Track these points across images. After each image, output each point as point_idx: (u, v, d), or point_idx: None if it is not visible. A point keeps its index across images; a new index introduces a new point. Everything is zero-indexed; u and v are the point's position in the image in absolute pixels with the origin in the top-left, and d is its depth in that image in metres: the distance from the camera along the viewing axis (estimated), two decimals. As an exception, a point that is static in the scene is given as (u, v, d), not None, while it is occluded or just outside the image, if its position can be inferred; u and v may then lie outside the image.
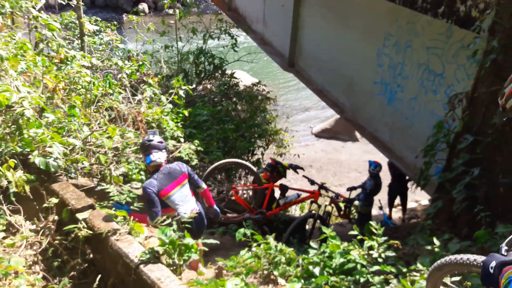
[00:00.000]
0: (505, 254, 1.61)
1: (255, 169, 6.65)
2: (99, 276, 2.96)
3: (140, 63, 7.21)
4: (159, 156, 4.16)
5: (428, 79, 6.59)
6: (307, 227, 6.53)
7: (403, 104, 7.15)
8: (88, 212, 3.66)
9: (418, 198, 10.58)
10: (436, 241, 3.33)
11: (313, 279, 3.44)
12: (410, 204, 10.03)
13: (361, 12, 8.02)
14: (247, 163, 6.67)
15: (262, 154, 8.80)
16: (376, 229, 3.54)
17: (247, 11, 13.68)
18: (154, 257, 2.93)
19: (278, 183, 6.92)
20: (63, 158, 4.59)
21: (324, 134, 15.50)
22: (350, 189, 7.41)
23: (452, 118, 4.70)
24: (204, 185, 4.55)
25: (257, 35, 12.73)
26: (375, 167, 7.74)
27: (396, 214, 9.66)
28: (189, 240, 2.96)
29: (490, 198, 4.12)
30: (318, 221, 6.51)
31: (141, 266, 2.87)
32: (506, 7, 4.19)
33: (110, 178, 5.53)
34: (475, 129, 4.52)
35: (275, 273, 3.80)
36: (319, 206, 6.56)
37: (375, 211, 8.60)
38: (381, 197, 8.47)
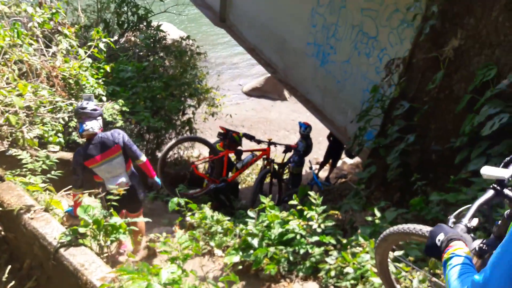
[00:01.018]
0: (452, 226, 1.60)
1: (211, 141, 6.67)
2: (9, 266, 2.55)
3: (54, 10, 6.37)
4: (91, 126, 3.81)
5: (361, 42, 6.54)
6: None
7: (335, 66, 7.09)
8: (-5, 185, 3.17)
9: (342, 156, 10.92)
10: (377, 212, 3.32)
11: (251, 251, 3.31)
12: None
13: (294, -34, 7.69)
14: (203, 138, 6.71)
15: (194, 113, 8.42)
16: (315, 199, 3.46)
17: (174, -42, 12.73)
18: (76, 239, 2.58)
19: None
20: (-38, 119, 3.98)
21: (254, 92, 15.37)
22: (285, 151, 7.39)
23: (388, 83, 4.67)
24: (143, 158, 4.10)
25: (185, -15, 11.94)
26: (305, 128, 7.75)
27: (322, 173, 9.90)
28: (116, 219, 2.64)
29: (422, 165, 4.20)
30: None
31: (61, 250, 2.51)
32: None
33: (23, 141, 4.94)
34: (410, 95, 4.54)
35: (212, 243, 3.63)
36: (272, 161, 6.81)
37: (305, 171, 8.74)
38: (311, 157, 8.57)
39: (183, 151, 9.08)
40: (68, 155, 5.50)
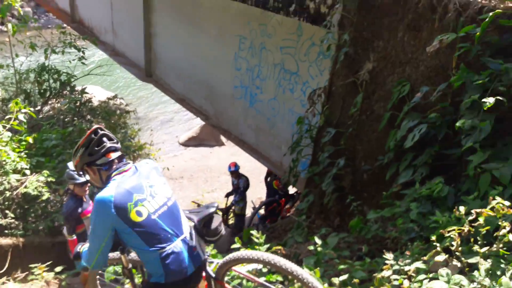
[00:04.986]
0: None
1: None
2: None
3: (-36, 91, 6.05)
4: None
5: (284, 79, 6.76)
6: None
7: (264, 105, 7.24)
8: None
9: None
10: (317, 240, 3.27)
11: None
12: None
13: (213, 15, 7.90)
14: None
15: (128, 172, 8.15)
16: (258, 238, 3.37)
17: (93, 22, 12.70)
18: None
19: None
20: None
21: (191, 142, 15.32)
22: (228, 195, 7.39)
23: (312, 114, 4.80)
24: (68, 237, 4.44)
25: (107, 47, 11.89)
26: (237, 167, 8.02)
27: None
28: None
29: (356, 186, 4.27)
30: None
31: None
32: (352, 1, 4.39)
33: None
34: (335, 121, 4.67)
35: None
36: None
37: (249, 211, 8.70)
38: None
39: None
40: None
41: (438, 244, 2.55)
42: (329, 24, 4.64)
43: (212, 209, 2.70)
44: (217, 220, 2.70)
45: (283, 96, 6.76)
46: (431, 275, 2.44)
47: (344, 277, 2.72)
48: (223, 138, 15.39)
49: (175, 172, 12.15)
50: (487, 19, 2.88)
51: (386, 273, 2.58)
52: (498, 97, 2.77)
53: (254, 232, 3.45)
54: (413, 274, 2.49)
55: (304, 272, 2.40)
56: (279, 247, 3.34)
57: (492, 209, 2.40)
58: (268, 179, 9.08)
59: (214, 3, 7.82)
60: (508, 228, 2.35)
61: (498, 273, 2.27)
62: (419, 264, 2.54)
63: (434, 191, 3.15)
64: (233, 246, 3.47)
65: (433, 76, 3.56)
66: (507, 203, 2.39)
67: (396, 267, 2.62)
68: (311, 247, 3.31)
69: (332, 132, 4.53)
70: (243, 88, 7.63)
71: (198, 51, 8.55)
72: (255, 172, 10.57)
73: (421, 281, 2.41)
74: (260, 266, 2.99)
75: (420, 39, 3.66)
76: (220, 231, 2.70)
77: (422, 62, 3.67)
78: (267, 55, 7.01)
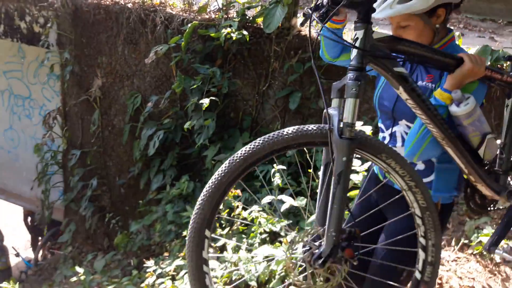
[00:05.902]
0: None
1: None
2: None
3: None
4: None
5: (17, 105, 6.12)
6: None
7: (-1, 137, 6.40)
8: None
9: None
10: (78, 269, 3.14)
11: None
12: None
13: None
14: None
15: None
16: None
17: None
18: None
19: None
20: None
21: None
22: None
23: (51, 138, 4.53)
24: None
25: None
26: None
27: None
28: None
29: (115, 202, 4.26)
30: None
31: None
32: (65, 19, 4.26)
33: None
34: (79, 142, 4.53)
35: None
36: None
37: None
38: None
39: None
40: None
41: (190, 238, 2.78)
42: (47, 44, 4.42)
43: None
44: None
45: (20, 123, 6.12)
46: (190, 269, 2.65)
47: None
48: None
49: None
50: (187, 30, 3.25)
51: (150, 280, 2.69)
52: (212, 98, 3.18)
53: (3, 284, 3.09)
54: (174, 273, 2.67)
55: None
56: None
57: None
58: (29, 219, 8.09)
59: None
60: (240, 207, 2.76)
61: (242, 247, 2.65)
62: (178, 262, 2.74)
63: (183, 189, 3.43)
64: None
65: (160, 85, 3.82)
66: (233, 184, 2.77)
67: (159, 270, 2.76)
68: (74, 279, 3.17)
69: (78, 154, 4.39)
70: None
71: None
72: (17, 215, 9.23)
73: (182, 277, 2.61)
74: None
75: (139, 51, 3.86)
76: None
77: (147, 73, 3.88)
78: (-11, 82, 6.19)
